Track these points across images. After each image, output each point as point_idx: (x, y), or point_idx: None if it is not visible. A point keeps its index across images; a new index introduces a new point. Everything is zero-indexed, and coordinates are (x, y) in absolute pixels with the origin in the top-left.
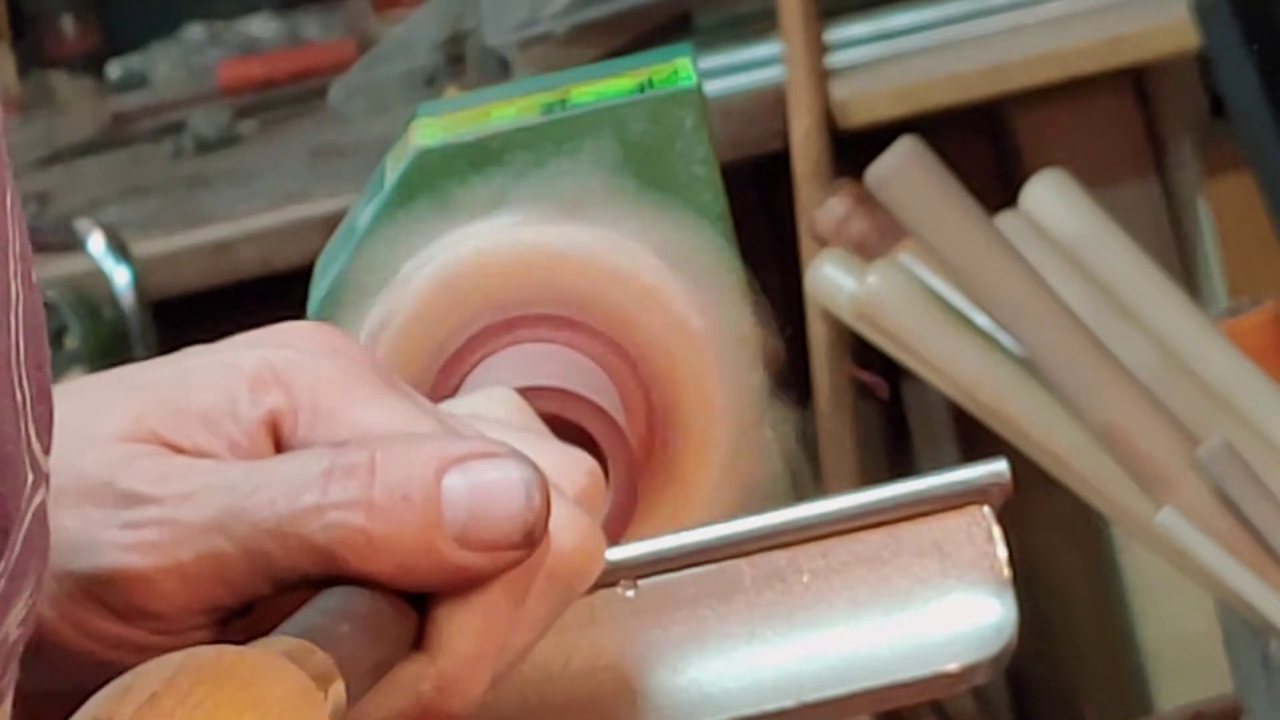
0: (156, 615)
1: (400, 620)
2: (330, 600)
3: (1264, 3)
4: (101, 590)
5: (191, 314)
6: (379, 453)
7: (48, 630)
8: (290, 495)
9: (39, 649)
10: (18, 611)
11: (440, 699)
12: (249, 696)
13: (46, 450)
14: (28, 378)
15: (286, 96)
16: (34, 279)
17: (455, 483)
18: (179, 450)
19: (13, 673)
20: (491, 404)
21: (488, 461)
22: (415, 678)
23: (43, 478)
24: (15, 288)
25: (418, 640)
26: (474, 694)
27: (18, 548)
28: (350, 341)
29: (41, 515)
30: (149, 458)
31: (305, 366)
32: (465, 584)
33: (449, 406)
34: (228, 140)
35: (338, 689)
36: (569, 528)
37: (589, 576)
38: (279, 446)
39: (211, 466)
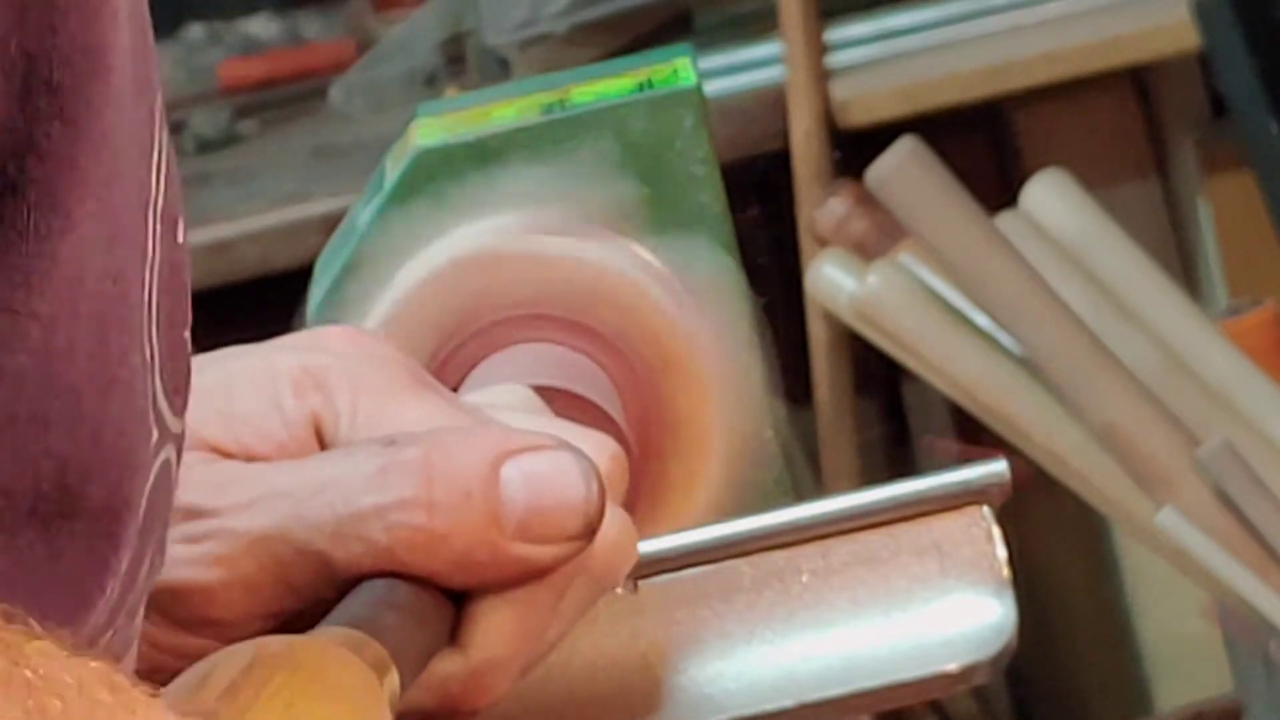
0: (220, 623)
1: (440, 611)
2: (372, 591)
3: (1264, 3)
4: (166, 603)
5: (191, 314)
6: (433, 449)
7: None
8: (348, 497)
9: None
10: (145, 567)
11: (467, 696)
12: (323, 685)
13: (178, 411)
14: (159, 335)
15: (286, 96)
16: (180, 240)
17: (512, 476)
18: (229, 455)
19: (138, 624)
20: (504, 398)
21: (541, 454)
22: (446, 674)
23: (170, 436)
24: (153, 246)
25: (453, 635)
26: (501, 690)
27: (143, 504)
28: (385, 344)
29: (167, 474)
30: (203, 466)
31: (342, 370)
32: (524, 577)
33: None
34: (228, 140)
35: (392, 679)
36: (607, 523)
37: (623, 571)
38: (323, 446)
39: (265, 470)
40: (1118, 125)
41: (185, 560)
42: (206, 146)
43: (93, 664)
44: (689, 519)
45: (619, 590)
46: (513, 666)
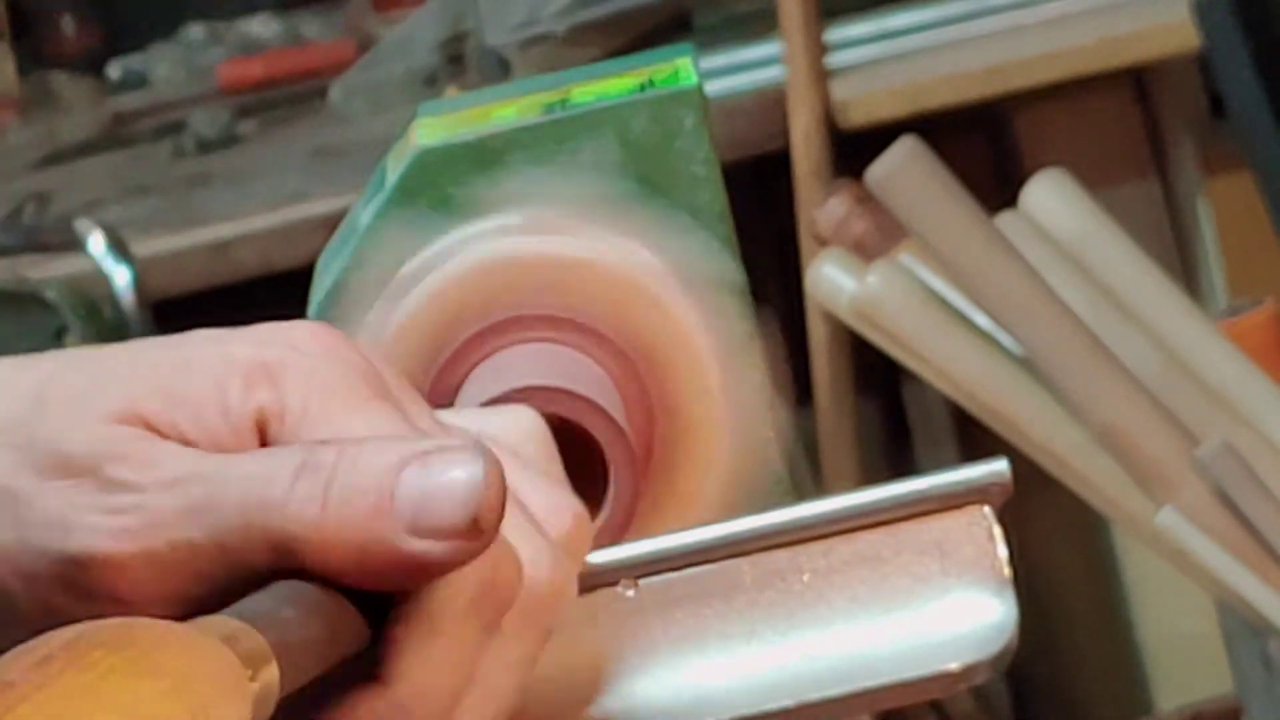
0: (123, 601)
1: (346, 618)
2: (279, 588)
3: (1264, 3)
4: (73, 571)
5: (191, 314)
6: (345, 451)
7: (9, 599)
8: (258, 488)
9: None
10: None
11: None
12: (149, 664)
13: None
14: None
15: (286, 96)
16: None
17: (412, 476)
18: (164, 437)
19: None
20: (508, 428)
21: (447, 456)
22: (369, 710)
23: None
24: None
25: (376, 671)
26: None
27: None
28: (351, 346)
29: None
30: (136, 442)
31: (300, 367)
32: (422, 575)
33: (468, 416)
34: (228, 140)
35: (270, 671)
36: (542, 563)
37: (560, 611)
38: (264, 444)
39: (194, 455)
40: (1118, 125)
41: (100, 530)
42: (206, 146)
43: None
44: (691, 518)
45: (619, 590)
46: (443, 703)
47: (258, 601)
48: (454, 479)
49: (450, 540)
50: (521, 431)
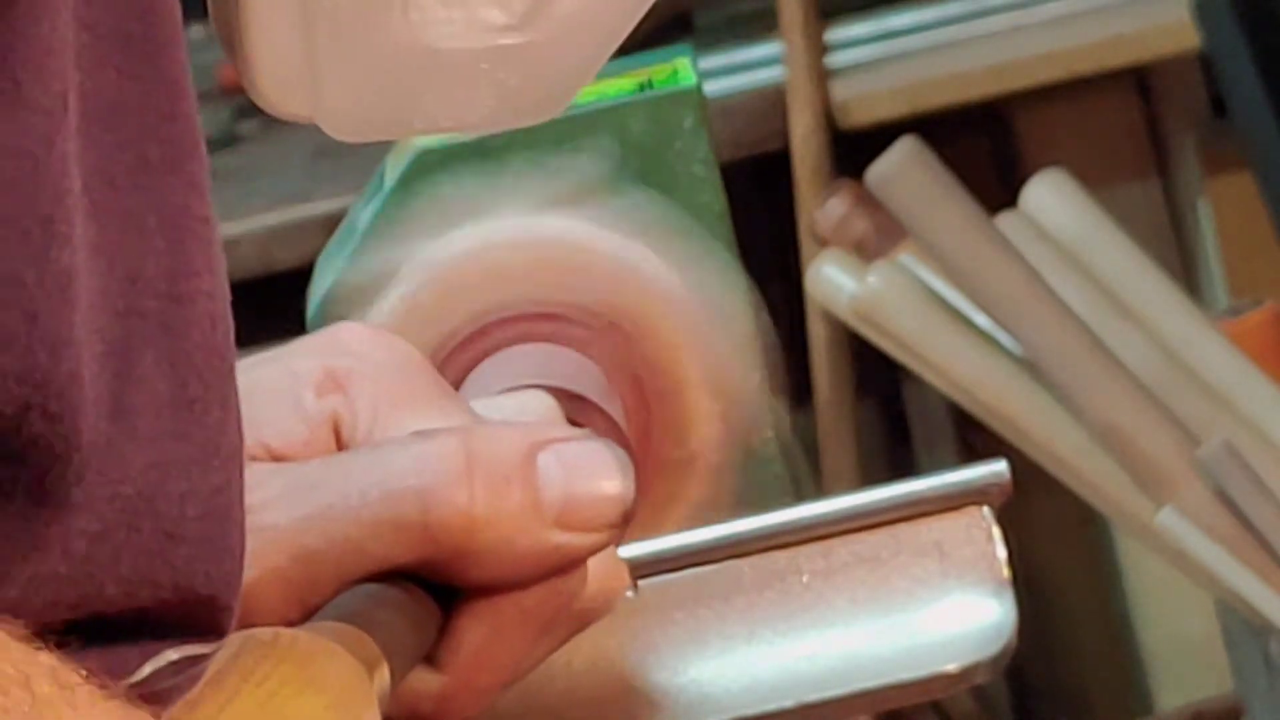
0: (254, 622)
1: (431, 617)
2: (367, 589)
3: (1264, 3)
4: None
5: None
6: (469, 436)
7: None
8: (384, 483)
9: None
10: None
11: (436, 715)
12: (307, 675)
13: None
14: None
15: None
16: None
17: (549, 464)
18: (253, 458)
19: None
20: (525, 411)
21: (575, 443)
22: (420, 692)
23: None
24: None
25: (430, 654)
26: (471, 714)
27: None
28: (404, 345)
29: None
30: None
31: (364, 371)
32: (558, 567)
33: (482, 405)
34: (228, 140)
35: (383, 674)
36: (599, 564)
37: (601, 614)
38: (340, 447)
39: (292, 466)
40: (1118, 125)
41: None
42: (207, 146)
43: (41, 656)
44: (689, 519)
45: None
46: (485, 693)
47: (350, 604)
48: (598, 470)
49: (601, 532)
50: (537, 413)
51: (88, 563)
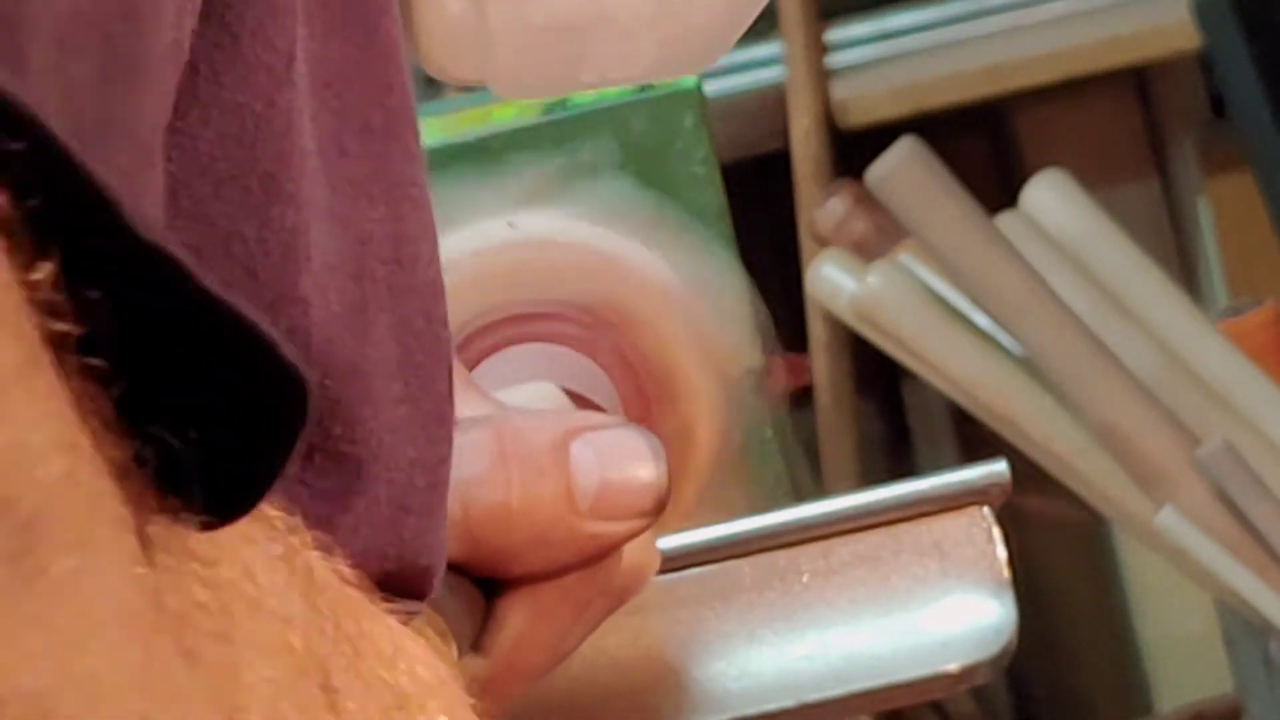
0: None
1: (479, 603)
2: None
3: (1264, 3)
4: None
5: None
6: (501, 427)
7: None
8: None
9: None
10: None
11: (482, 699)
12: (415, 625)
13: None
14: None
15: None
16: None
17: (582, 452)
18: None
19: None
20: (536, 401)
21: (607, 431)
22: (470, 676)
23: None
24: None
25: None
26: (511, 699)
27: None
28: None
29: None
30: None
31: None
32: (593, 556)
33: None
34: None
35: (453, 650)
36: (636, 544)
37: (635, 593)
38: None
39: None
40: (1118, 125)
41: None
42: None
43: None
44: (689, 519)
45: None
46: (528, 676)
47: None
48: (632, 457)
49: (635, 520)
50: (547, 404)
51: (336, 532)
